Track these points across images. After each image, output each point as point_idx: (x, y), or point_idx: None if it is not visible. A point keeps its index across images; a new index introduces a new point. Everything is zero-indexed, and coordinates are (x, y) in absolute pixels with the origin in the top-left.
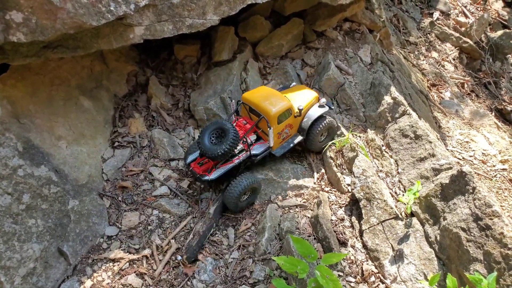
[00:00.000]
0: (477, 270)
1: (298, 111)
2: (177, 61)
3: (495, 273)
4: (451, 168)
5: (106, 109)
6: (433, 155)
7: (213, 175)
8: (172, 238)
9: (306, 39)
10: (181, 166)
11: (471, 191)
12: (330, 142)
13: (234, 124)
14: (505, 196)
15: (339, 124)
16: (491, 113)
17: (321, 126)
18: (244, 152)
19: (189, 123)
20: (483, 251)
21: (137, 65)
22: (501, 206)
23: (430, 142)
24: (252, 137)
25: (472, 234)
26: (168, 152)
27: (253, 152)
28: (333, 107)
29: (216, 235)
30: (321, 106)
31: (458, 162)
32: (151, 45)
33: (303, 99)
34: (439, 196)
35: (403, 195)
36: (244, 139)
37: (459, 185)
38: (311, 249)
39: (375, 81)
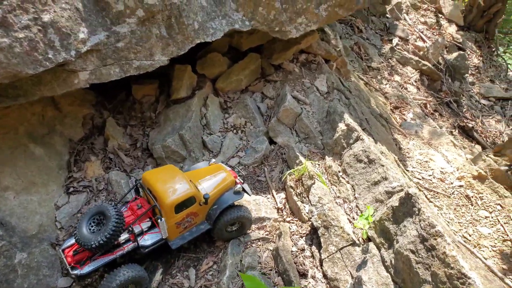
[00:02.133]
0: None
1: (204, 199)
2: (135, 101)
3: None
4: (402, 190)
5: (60, 154)
6: (386, 178)
7: (85, 269)
8: None
9: (265, 73)
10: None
11: (417, 212)
12: (287, 172)
13: (127, 206)
14: (462, 212)
15: (297, 153)
16: (454, 130)
17: (230, 217)
18: (131, 242)
19: (148, 163)
20: (430, 272)
21: (94, 108)
22: (459, 222)
23: (383, 166)
24: (146, 224)
25: (420, 255)
26: None
27: (142, 243)
28: (250, 194)
29: (177, 277)
30: (236, 192)
31: (418, 182)
32: (107, 87)
33: (214, 184)
34: (391, 219)
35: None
36: (130, 229)
37: (407, 207)
38: (262, 286)
39: (330, 109)
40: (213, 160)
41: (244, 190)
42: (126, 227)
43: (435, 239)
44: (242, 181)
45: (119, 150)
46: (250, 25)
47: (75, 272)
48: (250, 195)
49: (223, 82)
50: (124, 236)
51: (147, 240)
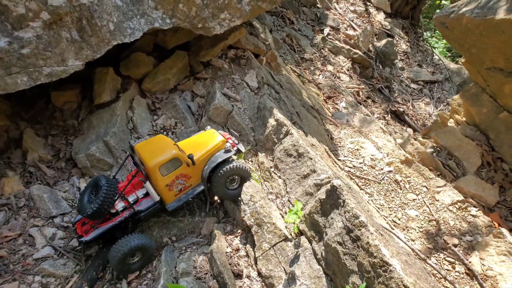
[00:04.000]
0: (354, 282)
1: (189, 159)
2: (56, 109)
3: (364, 284)
4: (330, 181)
5: None
6: (314, 171)
7: (89, 236)
8: None
9: (194, 70)
10: (66, 221)
11: (342, 204)
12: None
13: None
14: (392, 197)
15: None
16: (387, 115)
17: (221, 172)
18: (128, 209)
19: (73, 173)
20: (356, 262)
21: (9, 119)
22: (389, 207)
23: (311, 159)
24: (141, 191)
25: (346, 246)
26: (50, 209)
27: (137, 208)
28: (244, 150)
29: None
30: (227, 151)
31: (349, 171)
32: (25, 95)
33: (203, 145)
34: (320, 212)
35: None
36: (122, 196)
37: (333, 199)
38: None
39: (260, 105)
40: (208, 127)
41: (238, 149)
42: (119, 194)
43: (360, 230)
44: (236, 142)
45: (40, 163)
46: (171, 23)
47: (81, 239)
48: (243, 152)
49: (149, 83)
50: (121, 204)
51: (143, 205)
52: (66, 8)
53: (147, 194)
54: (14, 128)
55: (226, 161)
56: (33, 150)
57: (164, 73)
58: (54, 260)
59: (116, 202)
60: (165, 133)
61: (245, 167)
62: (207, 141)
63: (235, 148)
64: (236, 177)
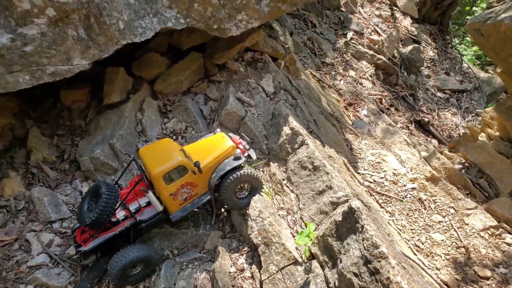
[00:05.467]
0: None
1: (196, 167)
2: (64, 108)
3: None
4: (347, 200)
5: None
6: (331, 187)
7: (88, 246)
8: None
9: (209, 73)
10: (65, 227)
11: (360, 229)
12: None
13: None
14: (415, 217)
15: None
16: (411, 125)
17: (230, 179)
18: (129, 218)
19: (76, 176)
20: None
21: (15, 117)
22: (411, 229)
23: (327, 173)
24: (144, 200)
25: (363, 279)
26: (49, 213)
27: (140, 218)
28: (255, 157)
29: None
30: (236, 158)
31: (369, 186)
32: (33, 93)
33: (211, 151)
34: (335, 235)
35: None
36: (123, 204)
37: (350, 222)
38: None
39: (275, 112)
40: (218, 130)
41: (249, 155)
42: (120, 203)
43: (379, 262)
44: (247, 148)
45: (43, 164)
46: (185, 23)
47: (79, 249)
48: (254, 159)
49: (161, 84)
50: (122, 213)
51: (145, 214)
52: (74, 4)
53: (150, 203)
54: (20, 127)
55: (236, 168)
56: (38, 150)
57: (177, 74)
58: (49, 269)
59: (117, 211)
60: (174, 137)
61: (256, 175)
62: (215, 146)
63: (246, 155)
64: (246, 185)
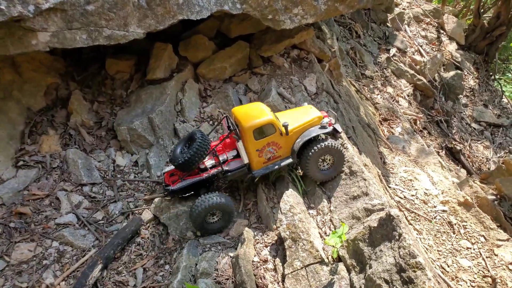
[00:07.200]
0: None
1: (284, 128)
2: (108, 76)
3: None
4: (383, 209)
5: (14, 123)
6: (366, 194)
7: (176, 186)
8: (68, 276)
9: (252, 64)
10: (94, 192)
11: (397, 237)
12: None
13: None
14: (443, 240)
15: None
16: (441, 151)
17: (314, 149)
18: (217, 167)
19: (111, 144)
20: None
21: (60, 78)
22: (438, 250)
23: (365, 180)
24: (232, 153)
25: (395, 287)
26: (81, 176)
27: (226, 168)
28: (340, 131)
29: (123, 274)
30: (322, 127)
31: (399, 202)
32: (80, 57)
33: (299, 118)
34: (367, 240)
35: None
36: (214, 153)
37: (386, 229)
38: None
39: None
40: (306, 103)
41: (334, 129)
42: (210, 150)
43: (415, 272)
44: (333, 122)
45: (81, 127)
46: (241, 9)
47: (167, 188)
48: (340, 132)
49: (205, 68)
50: (210, 161)
51: (231, 166)
52: None
53: (236, 156)
54: (64, 88)
55: (320, 138)
56: (78, 113)
57: (222, 61)
58: (75, 229)
59: (207, 159)
60: (211, 122)
61: (341, 148)
62: (303, 114)
63: (331, 128)
64: (329, 157)
